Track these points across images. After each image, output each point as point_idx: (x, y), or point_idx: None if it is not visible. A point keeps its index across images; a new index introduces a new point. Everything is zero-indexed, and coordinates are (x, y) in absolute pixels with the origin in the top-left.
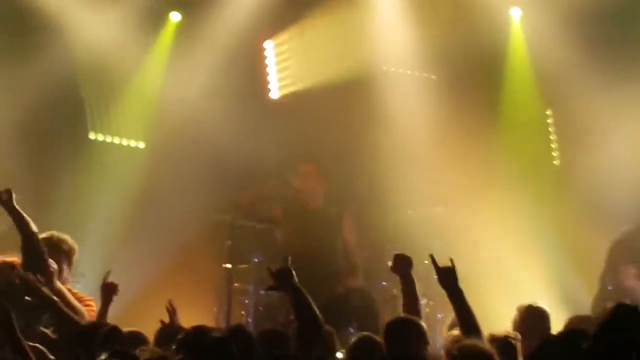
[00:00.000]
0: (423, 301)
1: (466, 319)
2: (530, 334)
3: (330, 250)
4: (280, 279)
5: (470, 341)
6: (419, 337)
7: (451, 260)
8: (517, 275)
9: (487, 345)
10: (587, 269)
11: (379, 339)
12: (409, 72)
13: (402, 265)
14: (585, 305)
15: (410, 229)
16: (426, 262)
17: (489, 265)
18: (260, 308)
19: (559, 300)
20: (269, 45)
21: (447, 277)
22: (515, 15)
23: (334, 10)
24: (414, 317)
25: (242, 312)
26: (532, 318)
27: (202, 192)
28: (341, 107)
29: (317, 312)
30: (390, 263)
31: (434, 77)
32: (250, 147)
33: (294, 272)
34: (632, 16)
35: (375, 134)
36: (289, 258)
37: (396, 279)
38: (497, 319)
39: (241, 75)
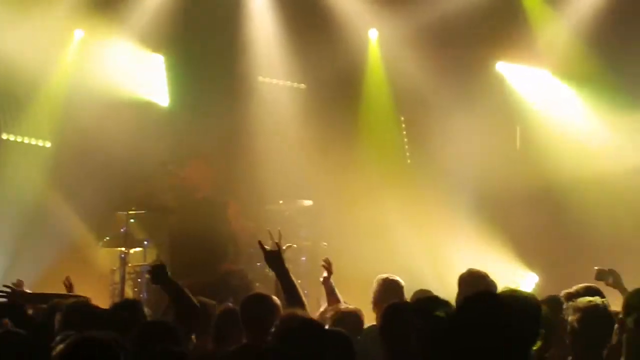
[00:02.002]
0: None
1: (291, 294)
2: (389, 301)
3: (216, 236)
4: (154, 276)
5: (291, 311)
6: (271, 311)
7: (277, 244)
8: (374, 259)
9: (306, 314)
10: (434, 253)
11: None
12: (281, 81)
13: (271, 260)
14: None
15: (281, 218)
16: (295, 245)
17: (350, 250)
18: (153, 285)
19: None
20: (160, 59)
21: (273, 259)
22: (373, 35)
23: (216, 25)
24: (267, 294)
25: (136, 289)
26: (388, 288)
27: (101, 186)
28: (224, 112)
29: (193, 301)
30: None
31: (303, 86)
32: (146, 147)
33: (167, 269)
34: (469, 40)
35: (254, 136)
36: (172, 257)
37: None
38: (357, 294)
39: (137, 84)
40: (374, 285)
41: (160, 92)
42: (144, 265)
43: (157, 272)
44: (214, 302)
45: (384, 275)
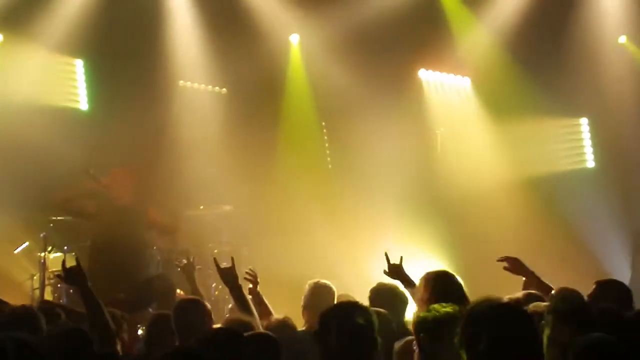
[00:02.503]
0: (213, 285)
1: (244, 305)
2: (318, 307)
3: (137, 242)
4: (68, 276)
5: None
6: (203, 314)
7: (232, 260)
8: (297, 264)
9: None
10: (356, 257)
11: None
12: (203, 86)
13: (226, 277)
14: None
15: (203, 223)
16: (216, 250)
17: (272, 255)
18: (71, 291)
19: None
20: (79, 63)
21: (227, 276)
22: (294, 40)
23: (136, 29)
24: (198, 298)
25: (55, 295)
26: (319, 293)
27: (20, 191)
28: (144, 116)
29: (104, 311)
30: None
31: (224, 90)
32: (65, 152)
33: (85, 273)
34: (392, 46)
35: (175, 140)
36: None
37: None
38: (280, 298)
39: (57, 89)
40: (305, 290)
41: (79, 97)
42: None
43: (70, 272)
44: (121, 314)
45: (315, 280)
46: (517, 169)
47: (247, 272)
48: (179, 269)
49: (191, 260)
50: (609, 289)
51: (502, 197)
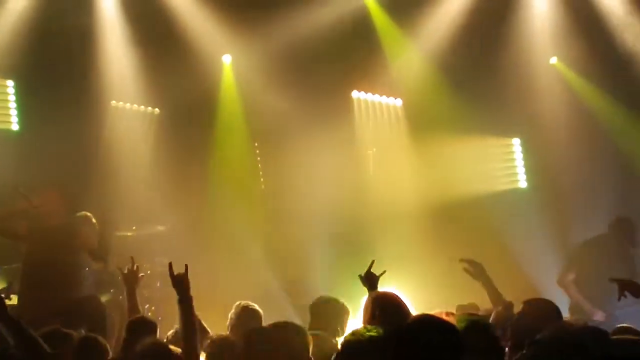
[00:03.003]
0: (146, 306)
1: (187, 320)
2: (243, 329)
3: (68, 263)
4: None
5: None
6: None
7: (185, 267)
8: (230, 285)
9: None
10: (289, 277)
11: (102, 340)
12: (135, 106)
13: (177, 284)
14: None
15: (136, 244)
16: (149, 271)
17: (206, 276)
18: None
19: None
20: (10, 83)
21: (179, 284)
22: (227, 60)
23: (68, 49)
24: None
25: None
26: (246, 316)
27: None
28: (75, 136)
29: (34, 337)
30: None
31: (157, 111)
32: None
33: (5, 306)
34: (325, 67)
35: (107, 161)
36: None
37: (121, 286)
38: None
39: None
40: (232, 311)
41: (11, 118)
42: None
43: None
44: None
45: (243, 303)
46: (448, 189)
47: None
48: (120, 278)
49: (134, 268)
50: (537, 307)
51: (432, 217)
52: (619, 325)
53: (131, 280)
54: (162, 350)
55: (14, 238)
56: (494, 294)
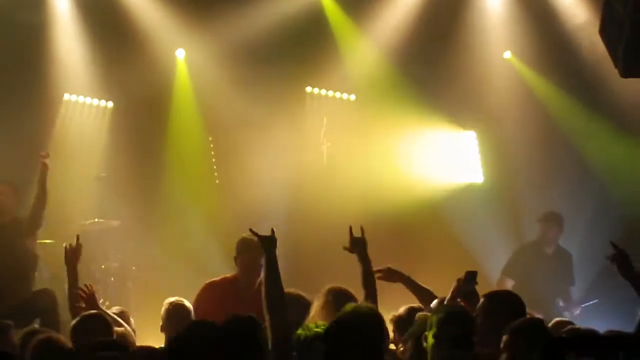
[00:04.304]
0: (100, 301)
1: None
2: (175, 327)
3: (19, 258)
4: None
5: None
6: (106, 329)
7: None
8: (183, 281)
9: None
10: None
11: (57, 335)
12: (88, 99)
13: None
14: None
15: (89, 239)
16: (103, 266)
17: (159, 272)
18: None
19: None
20: None
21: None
22: (180, 55)
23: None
24: (98, 312)
25: None
26: (175, 312)
27: None
28: (26, 130)
29: None
30: None
31: (110, 104)
32: None
33: None
34: (280, 61)
35: (59, 155)
36: None
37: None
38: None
39: None
40: (162, 309)
41: None
42: None
43: None
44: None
45: (172, 299)
46: (403, 183)
47: (80, 289)
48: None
49: (77, 245)
50: (496, 301)
51: (386, 213)
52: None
53: (73, 256)
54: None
55: None
56: (420, 293)
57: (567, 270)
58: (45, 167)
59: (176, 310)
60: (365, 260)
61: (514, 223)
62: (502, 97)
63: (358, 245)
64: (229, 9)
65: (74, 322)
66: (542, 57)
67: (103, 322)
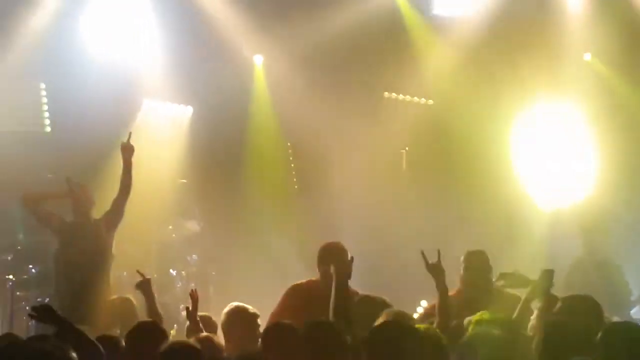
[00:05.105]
0: (181, 306)
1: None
2: (237, 333)
3: (98, 258)
4: (41, 314)
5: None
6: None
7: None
8: (262, 286)
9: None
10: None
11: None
12: (168, 103)
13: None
14: None
15: (168, 245)
16: (183, 272)
17: (238, 277)
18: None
19: None
20: (42, 86)
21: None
22: (258, 61)
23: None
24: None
25: (24, 318)
26: (238, 318)
27: None
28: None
29: (95, 343)
30: None
31: (190, 108)
32: (28, 173)
33: (56, 310)
34: (357, 66)
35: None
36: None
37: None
38: None
39: (19, 110)
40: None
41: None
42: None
43: (44, 311)
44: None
45: (234, 305)
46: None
47: (190, 294)
48: (136, 288)
49: (145, 277)
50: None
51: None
52: None
53: (145, 286)
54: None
55: (47, 226)
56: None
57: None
58: (128, 150)
59: (240, 315)
60: (441, 288)
61: None
62: (580, 101)
63: (434, 271)
64: (307, 15)
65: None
66: (625, 58)
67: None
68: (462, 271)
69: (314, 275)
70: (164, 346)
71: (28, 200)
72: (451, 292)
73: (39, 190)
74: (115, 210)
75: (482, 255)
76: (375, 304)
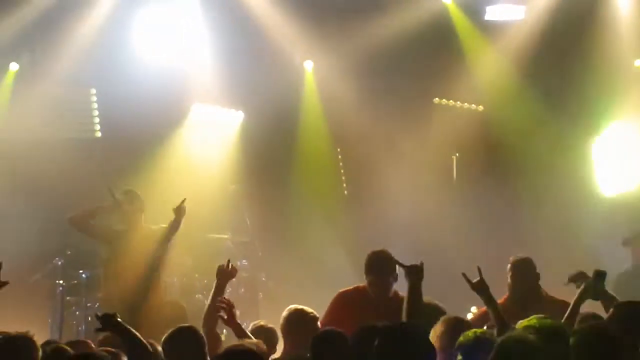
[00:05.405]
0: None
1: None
2: (296, 335)
3: (150, 267)
4: (105, 322)
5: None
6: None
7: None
8: (311, 293)
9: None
10: None
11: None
12: (218, 107)
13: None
14: None
15: (218, 250)
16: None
17: (287, 284)
18: (90, 318)
19: None
20: (92, 92)
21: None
22: (309, 66)
23: None
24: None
25: (74, 322)
26: (297, 321)
27: (37, 219)
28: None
29: (145, 345)
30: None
31: (241, 113)
32: (79, 178)
33: (118, 316)
34: (408, 70)
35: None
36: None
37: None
38: None
39: (69, 116)
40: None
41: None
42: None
43: (107, 319)
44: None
45: (295, 307)
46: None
47: (221, 301)
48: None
49: (229, 266)
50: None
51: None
52: None
53: (226, 276)
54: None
55: (99, 239)
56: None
57: None
58: (181, 211)
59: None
60: (490, 303)
61: None
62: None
63: (478, 289)
64: (356, 21)
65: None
66: None
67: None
68: (509, 278)
69: (362, 281)
70: (221, 349)
71: (75, 222)
72: (500, 300)
73: (84, 209)
74: (165, 241)
75: (528, 261)
76: (430, 310)
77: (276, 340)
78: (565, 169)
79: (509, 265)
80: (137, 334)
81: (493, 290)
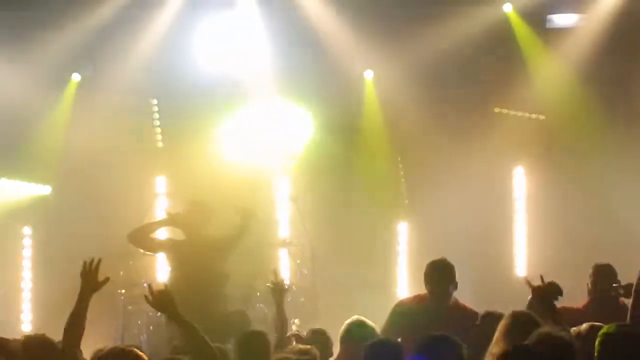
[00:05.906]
0: (292, 320)
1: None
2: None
3: (213, 276)
4: (157, 302)
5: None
6: (265, 345)
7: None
8: (371, 303)
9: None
10: None
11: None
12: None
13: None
14: None
15: (274, 261)
16: (294, 287)
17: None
18: (151, 327)
19: None
20: (154, 102)
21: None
22: (368, 76)
23: None
24: (262, 330)
25: (135, 331)
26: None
27: (100, 229)
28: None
29: (206, 341)
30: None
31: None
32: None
33: (173, 300)
34: (468, 79)
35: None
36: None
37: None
38: None
39: (132, 126)
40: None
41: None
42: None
43: (161, 299)
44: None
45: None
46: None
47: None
48: (269, 289)
49: (280, 279)
50: None
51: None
52: None
53: (279, 289)
54: None
55: (157, 253)
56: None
57: None
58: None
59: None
60: (548, 316)
61: None
62: None
63: (538, 298)
64: (416, 30)
65: None
66: None
67: None
68: (589, 285)
69: (422, 290)
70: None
71: (134, 240)
72: (579, 305)
73: (142, 226)
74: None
75: (607, 267)
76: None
77: (331, 345)
78: (633, 173)
79: (590, 271)
80: (193, 325)
81: (566, 296)
